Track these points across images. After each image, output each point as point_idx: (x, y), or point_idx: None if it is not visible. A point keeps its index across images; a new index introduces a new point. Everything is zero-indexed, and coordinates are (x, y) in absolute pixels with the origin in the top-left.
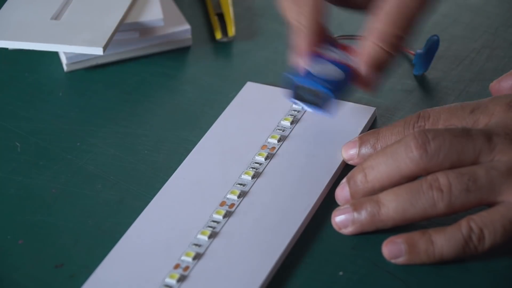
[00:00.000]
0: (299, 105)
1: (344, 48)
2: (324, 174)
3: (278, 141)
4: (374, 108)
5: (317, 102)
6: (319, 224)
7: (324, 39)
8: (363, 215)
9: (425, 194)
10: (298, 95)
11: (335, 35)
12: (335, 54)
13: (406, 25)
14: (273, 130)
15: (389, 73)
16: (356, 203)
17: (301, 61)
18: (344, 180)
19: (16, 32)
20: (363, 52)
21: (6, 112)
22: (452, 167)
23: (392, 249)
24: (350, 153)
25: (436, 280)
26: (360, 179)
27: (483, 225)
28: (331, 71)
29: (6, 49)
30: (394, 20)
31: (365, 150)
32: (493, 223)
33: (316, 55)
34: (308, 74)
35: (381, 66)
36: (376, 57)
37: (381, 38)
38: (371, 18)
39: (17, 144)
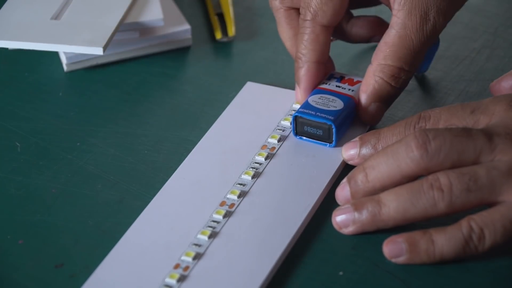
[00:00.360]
0: (304, 141)
1: (347, 81)
2: (324, 174)
3: (278, 141)
4: None
5: (319, 134)
6: (319, 224)
7: (325, 70)
8: (364, 215)
9: (425, 194)
10: (301, 130)
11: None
12: (337, 86)
13: (412, 60)
14: (273, 130)
15: (391, 105)
16: (357, 203)
17: (302, 95)
18: (344, 180)
19: (16, 32)
20: (366, 84)
21: (6, 112)
22: (453, 166)
23: (393, 248)
24: (350, 153)
25: (436, 280)
26: (361, 179)
27: (484, 225)
28: (332, 102)
29: (6, 49)
30: (401, 55)
31: (366, 150)
32: (494, 223)
33: (318, 89)
34: (309, 107)
35: (383, 99)
36: (379, 90)
37: (387, 73)
38: (375, 50)
39: (17, 144)
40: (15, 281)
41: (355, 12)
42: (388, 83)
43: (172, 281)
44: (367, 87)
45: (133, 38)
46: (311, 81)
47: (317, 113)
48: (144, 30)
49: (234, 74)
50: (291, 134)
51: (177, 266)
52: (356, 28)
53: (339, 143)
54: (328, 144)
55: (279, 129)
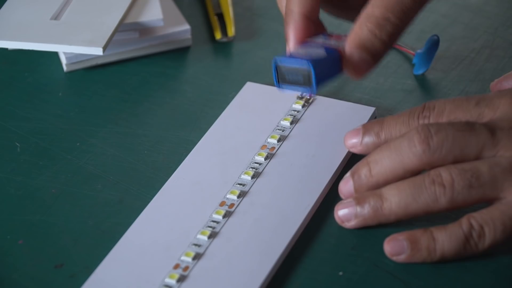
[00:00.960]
0: (285, 90)
1: (335, 37)
2: (323, 174)
3: (278, 141)
4: (374, 108)
5: (299, 80)
6: (319, 224)
7: (315, 28)
8: (366, 209)
9: (427, 189)
10: (282, 77)
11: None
12: (325, 40)
13: (401, 12)
14: (273, 130)
15: (380, 62)
16: (359, 197)
17: (290, 47)
18: (348, 174)
19: (16, 32)
20: (351, 33)
21: (6, 112)
22: (455, 161)
23: (394, 246)
24: (353, 141)
25: (436, 280)
26: (365, 173)
27: (483, 222)
28: (314, 52)
29: (6, 49)
30: (388, 5)
31: (369, 138)
32: (493, 221)
33: (305, 42)
34: (291, 55)
35: (368, 49)
36: (363, 39)
37: (372, 21)
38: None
39: (17, 144)
40: (15, 281)
41: None
42: (373, 32)
43: (172, 281)
44: (352, 36)
45: (133, 38)
46: (300, 37)
47: (297, 59)
48: (144, 30)
49: (234, 74)
50: (291, 134)
51: (177, 266)
52: (360, 1)
53: (321, 90)
54: (309, 89)
55: (278, 129)
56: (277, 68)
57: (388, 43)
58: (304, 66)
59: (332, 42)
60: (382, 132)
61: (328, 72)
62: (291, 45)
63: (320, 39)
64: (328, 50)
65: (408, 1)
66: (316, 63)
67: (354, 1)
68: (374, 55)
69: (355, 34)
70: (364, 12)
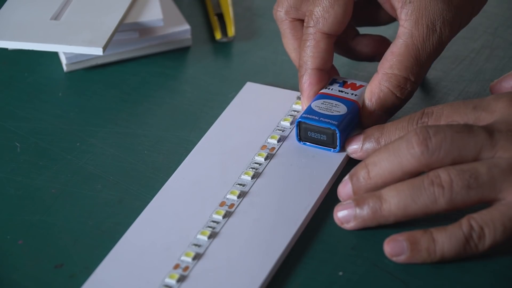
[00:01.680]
0: (309, 146)
1: (349, 85)
2: (323, 174)
3: (278, 141)
4: None
5: (323, 139)
6: (319, 224)
7: (327, 77)
8: (365, 211)
9: (426, 190)
10: (305, 135)
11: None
12: (340, 91)
13: (419, 70)
14: (273, 131)
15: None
16: (358, 199)
17: (306, 103)
18: (346, 177)
19: (16, 32)
20: (371, 92)
21: (6, 112)
22: (454, 163)
23: (394, 247)
24: (353, 147)
25: (436, 280)
26: (363, 175)
27: (483, 223)
28: (335, 107)
29: (6, 49)
30: (408, 65)
31: (369, 144)
32: (493, 221)
33: (321, 94)
34: (312, 112)
35: (387, 108)
36: (384, 99)
37: (393, 82)
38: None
39: (17, 144)
40: (15, 281)
41: (361, 30)
42: (393, 93)
43: (172, 281)
44: (372, 95)
45: (133, 38)
46: (314, 88)
47: (321, 118)
48: (143, 30)
49: (234, 74)
50: (291, 134)
51: (176, 266)
52: (361, 46)
53: (343, 148)
54: (332, 149)
55: (278, 130)
56: (299, 125)
57: (406, 100)
58: (329, 127)
59: (348, 92)
60: (382, 138)
61: (350, 129)
62: (306, 97)
63: (336, 89)
64: (347, 104)
65: (424, 55)
66: (340, 124)
67: (357, 45)
68: (393, 111)
69: (376, 95)
70: (383, 71)
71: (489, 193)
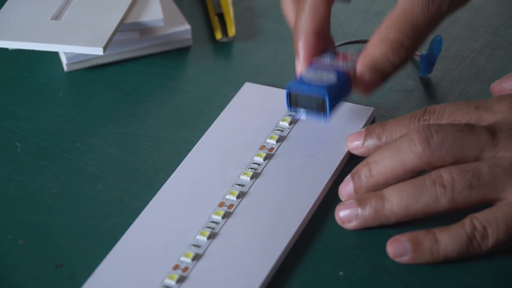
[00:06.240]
0: (297, 113)
1: (343, 57)
2: (323, 174)
3: (277, 141)
4: (373, 108)
5: (312, 107)
6: (319, 224)
7: (324, 44)
8: (367, 210)
9: (428, 190)
10: (294, 102)
11: (335, 39)
12: (333, 62)
13: (414, 35)
14: (272, 131)
15: (388, 80)
16: (360, 198)
17: (299, 67)
18: (348, 177)
19: (16, 32)
20: (364, 54)
21: (6, 112)
22: (455, 161)
23: (397, 248)
24: (355, 143)
25: (436, 280)
26: (365, 173)
27: (486, 223)
28: (326, 77)
29: (6, 49)
30: (403, 28)
31: (370, 140)
32: (496, 221)
33: (314, 63)
34: (303, 80)
35: (379, 70)
36: (376, 61)
37: (386, 44)
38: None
39: (17, 144)
40: (15, 281)
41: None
42: (386, 55)
43: (172, 282)
44: (365, 56)
45: (133, 38)
46: (310, 52)
47: (310, 86)
48: (144, 30)
49: (234, 74)
50: (290, 134)
51: (176, 267)
52: None
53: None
54: (322, 115)
55: (277, 130)
56: (289, 94)
57: (399, 66)
58: (318, 95)
59: (340, 63)
60: (384, 134)
61: (339, 97)
62: (301, 61)
63: (327, 59)
64: (339, 74)
65: (421, 23)
66: (329, 91)
67: None
68: (384, 75)
69: (369, 55)
70: (378, 33)
71: (491, 192)
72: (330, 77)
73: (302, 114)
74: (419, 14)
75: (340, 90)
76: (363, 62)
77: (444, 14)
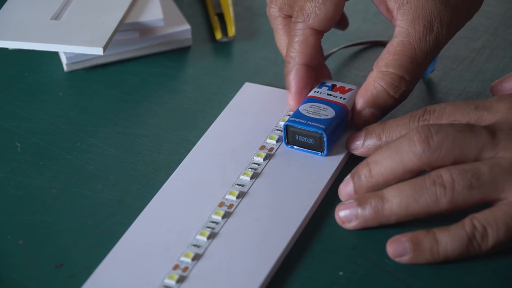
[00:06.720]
0: (296, 149)
1: (338, 89)
2: (323, 174)
3: (277, 141)
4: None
5: (310, 143)
6: (319, 224)
7: (316, 75)
8: (367, 210)
9: (428, 190)
10: (292, 139)
11: (335, 39)
12: (328, 94)
13: (414, 70)
14: (272, 131)
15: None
16: (360, 198)
17: (291, 101)
18: (348, 177)
19: (16, 32)
20: (364, 89)
21: (6, 112)
22: (455, 161)
23: (397, 248)
24: (355, 143)
25: (436, 280)
26: (365, 173)
27: (486, 223)
28: (323, 111)
29: (6, 49)
30: (403, 64)
31: (370, 140)
32: (496, 221)
33: (311, 96)
34: (300, 115)
35: (380, 106)
36: (377, 97)
37: (387, 80)
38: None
39: (17, 144)
40: (15, 281)
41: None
42: (387, 91)
43: (172, 282)
44: (365, 93)
45: (133, 38)
46: (301, 84)
47: (308, 122)
48: (144, 30)
49: (234, 74)
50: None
51: (176, 267)
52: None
53: (330, 152)
54: (320, 153)
55: (277, 130)
56: (286, 128)
57: (400, 100)
58: (316, 130)
59: (337, 95)
60: (384, 134)
61: (338, 133)
62: (293, 95)
63: (324, 92)
64: (336, 108)
65: (420, 58)
66: (327, 128)
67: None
68: (385, 110)
69: (369, 91)
70: (378, 69)
71: (491, 193)
72: (327, 112)
73: (301, 151)
74: (417, 46)
75: (338, 125)
76: (363, 97)
77: (442, 43)
